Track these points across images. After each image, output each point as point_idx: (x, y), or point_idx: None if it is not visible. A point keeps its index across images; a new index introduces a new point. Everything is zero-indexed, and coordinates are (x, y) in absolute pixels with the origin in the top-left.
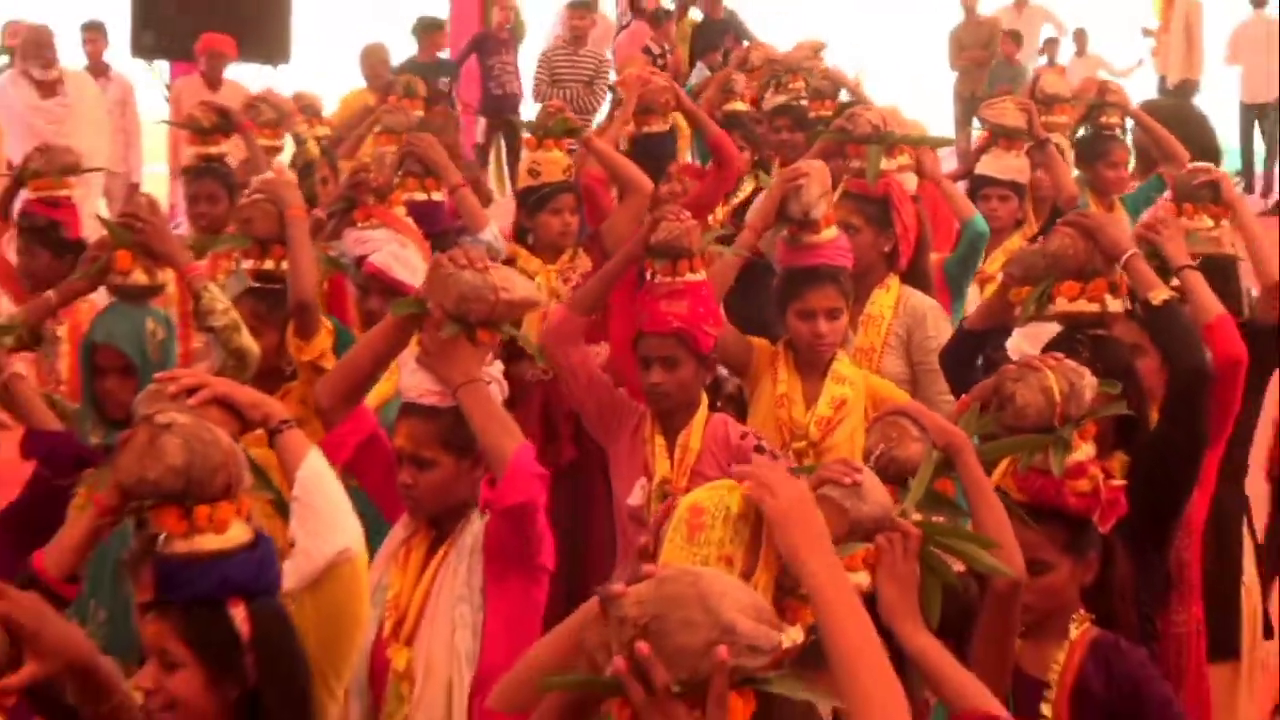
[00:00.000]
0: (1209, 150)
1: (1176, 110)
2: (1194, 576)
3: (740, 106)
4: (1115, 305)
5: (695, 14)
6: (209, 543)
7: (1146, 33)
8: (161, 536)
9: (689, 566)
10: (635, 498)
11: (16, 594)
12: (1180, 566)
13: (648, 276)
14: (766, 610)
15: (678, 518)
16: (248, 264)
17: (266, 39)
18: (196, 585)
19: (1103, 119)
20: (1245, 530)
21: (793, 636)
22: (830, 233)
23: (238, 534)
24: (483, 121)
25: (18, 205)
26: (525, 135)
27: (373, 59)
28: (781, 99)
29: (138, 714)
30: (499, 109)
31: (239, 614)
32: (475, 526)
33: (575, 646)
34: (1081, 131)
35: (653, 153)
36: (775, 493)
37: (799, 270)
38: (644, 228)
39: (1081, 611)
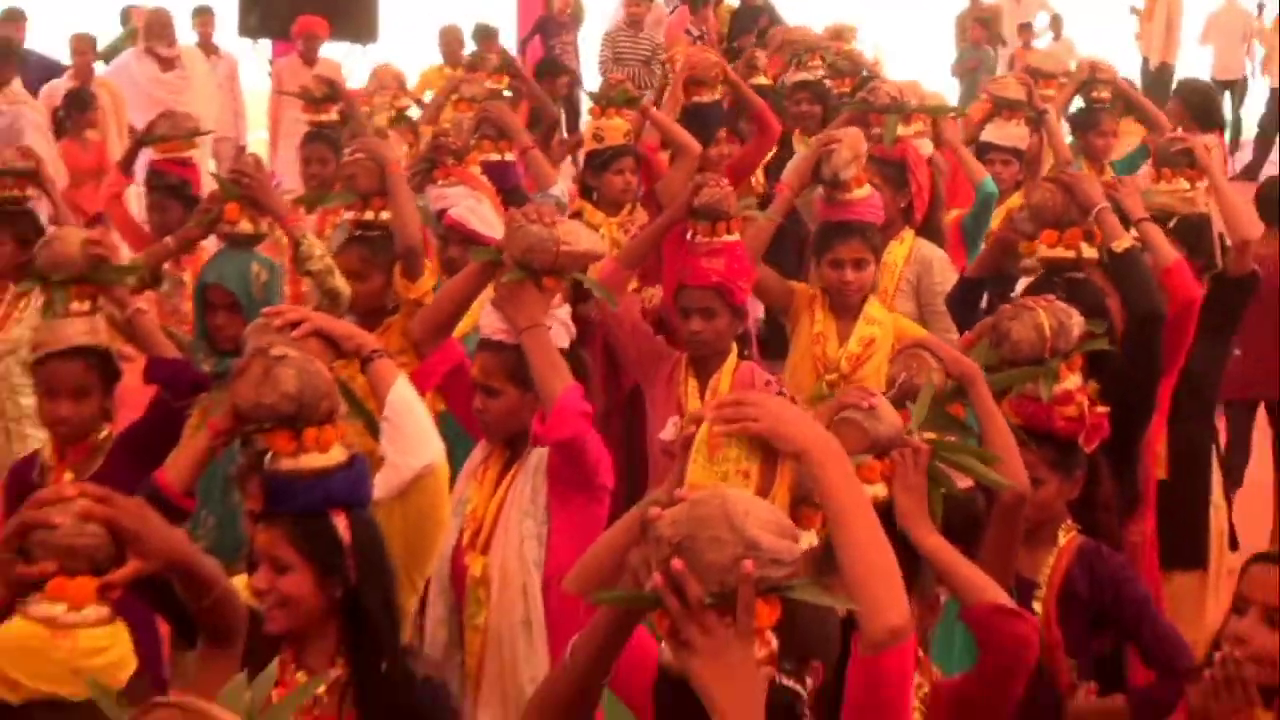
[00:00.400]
0: (1218, 115)
1: (1195, 84)
2: (1150, 494)
3: (762, 81)
4: (1090, 252)
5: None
6: (313, 461)
7: (1133, 11)
8: (269, 455)
9: (717, 488)
10: (668, 433)
11: (120, 499)
12: (1144, 484)
13: (689, 236)
14: (787, 525)
15: (699, 440)
16: (349, 215)
17: (356, 20)
18: (301, 499)
19: (1094, 93)
20: (1214, 458)
21: (808, 540)
22: (863, 192)
23: (337, 454)
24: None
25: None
26: (588, 106)
27: (450, 38)
28: (802, 76)
29: (239, 604)
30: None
31: (340, 523)
32: (541, 449)
33: (635, 537)
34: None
35: (702, 120)
36: (760, 404)
37: (832, 224)
38: (686, 192)
39: (1069, 522)
